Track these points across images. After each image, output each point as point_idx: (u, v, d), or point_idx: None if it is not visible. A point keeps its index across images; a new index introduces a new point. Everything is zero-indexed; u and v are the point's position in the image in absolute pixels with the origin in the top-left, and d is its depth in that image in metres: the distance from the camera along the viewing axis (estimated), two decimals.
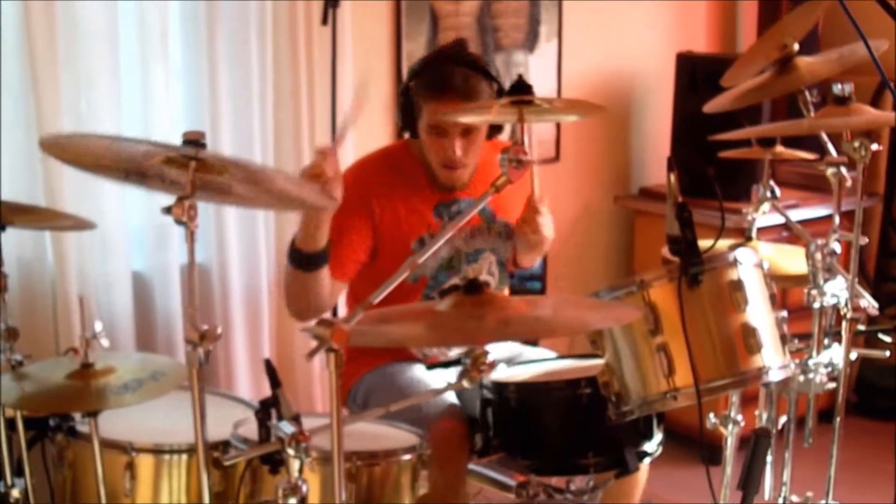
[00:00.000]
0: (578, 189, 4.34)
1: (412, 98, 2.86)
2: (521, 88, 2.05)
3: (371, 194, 2.86)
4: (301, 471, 1.98)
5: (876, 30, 2.46)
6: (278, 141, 3.57)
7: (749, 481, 2.37)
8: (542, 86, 4.13)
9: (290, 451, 1.95)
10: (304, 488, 1.99)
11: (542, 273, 4.17)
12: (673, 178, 2.27)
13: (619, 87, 4.42)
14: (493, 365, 2.05)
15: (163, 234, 3.43)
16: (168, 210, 2.01)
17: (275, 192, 2.15)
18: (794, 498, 2.66)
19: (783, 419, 3.06)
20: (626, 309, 2.29)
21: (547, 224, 2.81)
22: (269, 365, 2.11)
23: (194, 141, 2.01)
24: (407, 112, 2.88)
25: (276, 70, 3.54)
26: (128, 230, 3.37)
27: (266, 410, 2.11)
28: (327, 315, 2.90)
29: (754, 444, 2.38)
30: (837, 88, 2.49)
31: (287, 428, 1.97)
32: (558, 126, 4.17)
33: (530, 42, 4.15)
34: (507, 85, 2.83)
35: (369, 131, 3.78)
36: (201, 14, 3.39)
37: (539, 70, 4.15)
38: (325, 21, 3.43)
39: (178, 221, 2.00)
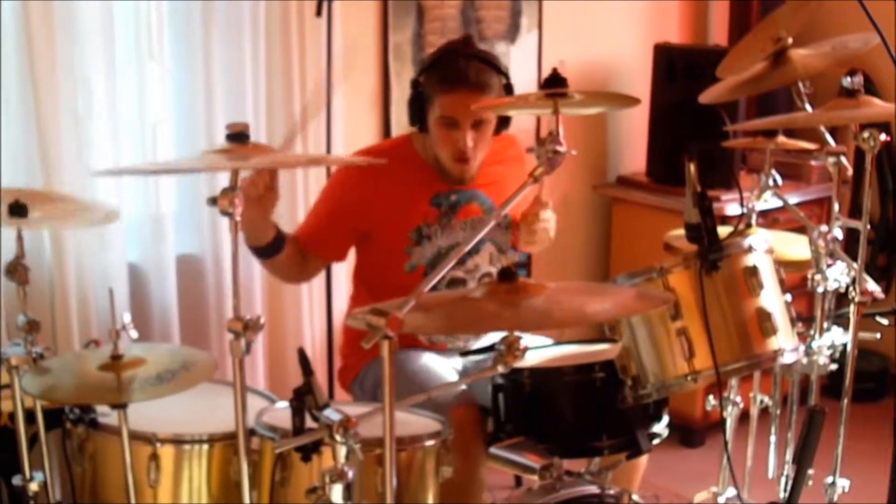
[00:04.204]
0: (558, 178, 4.38)
1: (423, 91, 2.90)
2: (556, 81, 2.10)
3: (370, 184, 2.91)
4: (347, 457, 2.02)
5: (867, 23, 2.55)
6: (271, 135, 3.58)
7: (804, 457, 2.45)
8: (523, 76, 4.20)
9: (338, 438, 1.98)
10: (350, 474, 2.02)
11: (527, 261, 4.25)
12: (692, 167, 2.34)
13: (598, 77, 4.50)
14: (526, 350, 2.10)
15: (158, 226, 3.44)
16: (213, 201, 2.03)
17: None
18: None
19: (765, 399, 3.17)
20: (657, 295, 2.35)
21: (550, 221, 2.89)
22: (301, 353, 2.13)
23: (239, 133, 2.04)
24: (417, 106, 2.93)
25: (270, 64, 3.55)
26: (123, 222, 3.37)
27: (301, 398, 2.13)
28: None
29: (809, 421, 2.46)
30: (847, 81, 2.56)
31: (333, 415, 2.01)
32: (538, 116, 4.23)
33: (512, 34, 4.21)
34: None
35: (357, 123, 3.83)
36: (195, 10, 3.39)
37: (520, 61, 4.21)
38: (319, 13, 3.46)
39: (224, 212, 2.02)
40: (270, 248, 2.82)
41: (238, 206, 2.03)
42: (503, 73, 2.90)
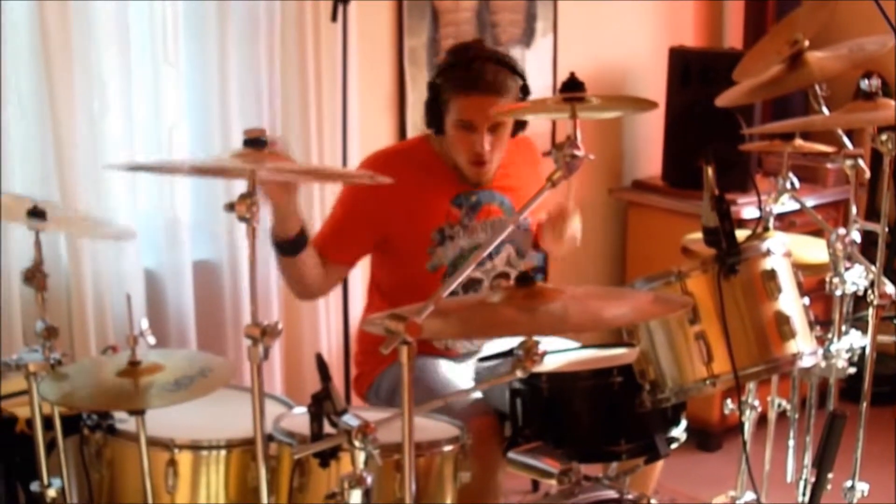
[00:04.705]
0: (574, 181, 4.41)
1: (439, 94, 2.90)
2: (574, 86, 2.10)
3: (390, 186, 2.89)
4: (366, 463, 2.02)
5: (882, 26, 2.55)
6: (287, 139, 3.59)
7: (824, 460, 2.44)
8: (538, 80, 4.19)
9: (357, 444, 1.98)
10: (369, 480, 2.02)
11: (544, 265, 4.23)
12: (710, 171, 2.33)
13: (613, 81, 4.50)
14: (544, 355, 2.09)
15: (175, 232, 3.44)
16: (230, 207, 2.02)
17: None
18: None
19: (783, 402, 3.16)
20: (675, 299, 2.35)
21: (577, 229, 2.89)
22: (319, 359, 2.14)
23: (256, 139, 2.04)
24: (433, 109, 2.92)
25: (285, 68, 3.56)
26: (139, 228, 3.37)
27: (319, 404, 2.13)
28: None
29: (830, 425, 2.45)
30: (865, 84, 2.55)
31: (352, 420, 2.01)
32: (553, 120, 4.23)
33: (527, 38, 4.21)
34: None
35: (372, 127, 3.83)
36: (211, 13, 3.40)
37: (535, 65, 4.21)
38: (334, 18, 3.46)
39: (241, 218, 2.02)
40: (296, 242, 2.74)
41: (256, 212, 2.03)
42: (520, 75, 2.90)
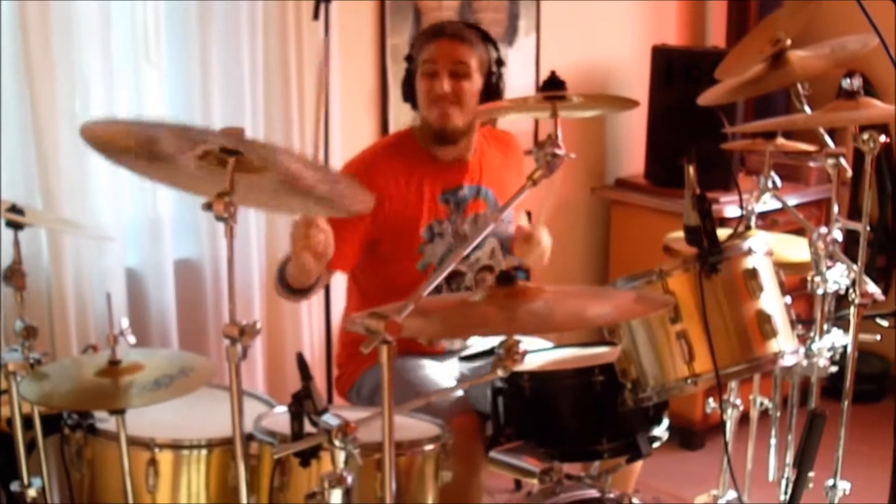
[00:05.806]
0: (556, 181, 4.40)
1: (412, 60, 2.96)
2: (555, 84, 2.10)
3: (380, 184, 2.88)
4: (347, 462, 2.01)
5: (864, 25, 2.55)
6: (269, 139, 3.57)
7: (805, 460, 2.44)
8: (521, 79, 4.20)
9: (337, 443, 1.98)
10: (350, 479, 2.01)
11: None
12: (691, 170, 2.33)
13: (596, 79, 4.50)
14: (525, 354, 2.09)
15: (156, 230, 3.42)
16: (208, 206, 2.01)
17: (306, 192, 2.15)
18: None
19: (765, 401, 3.17)
20: (656, 298, 2.35)
21: (545, 250, 2.96)
22: (300, 358, 2.13)
23: (234, 136, 2.02)
24: (408, 80, 2.97)
25: (267, 67, 3.55)
26: (121, 226, 3.36)
27: (300, 403, 2.12)
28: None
29: (810, 424, 2.46)
30: (846, 83, 2.56)
31: (332, 420, 2.00)
32: (536, 119, 4.23)
33: (509, 36, 4.21)
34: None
35: (354, 125, 3.82)
36: (193, 13, 3.39)
37: (518, 64, 4.20)
38: (316, 16, 3.44)
39: (219, 218, 2.00)
40: (309, 289, 2.78)
41: (234, 212, 2.01)
42: (490, 40, 2.97)
